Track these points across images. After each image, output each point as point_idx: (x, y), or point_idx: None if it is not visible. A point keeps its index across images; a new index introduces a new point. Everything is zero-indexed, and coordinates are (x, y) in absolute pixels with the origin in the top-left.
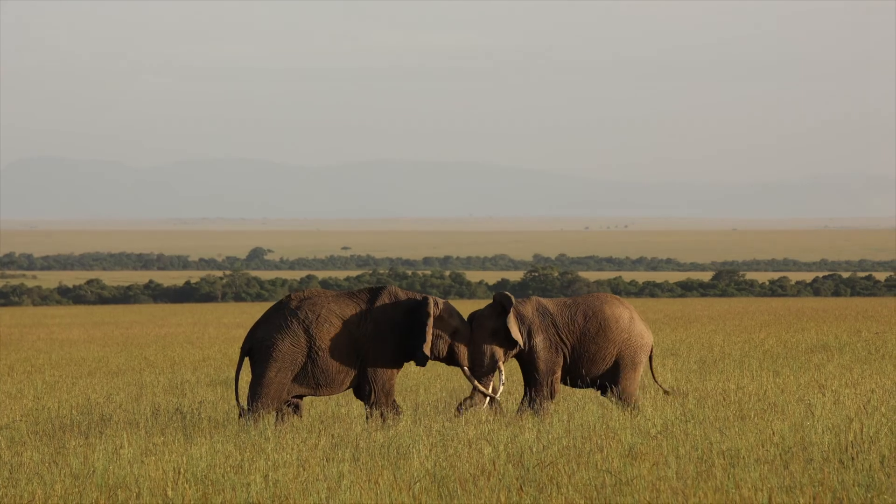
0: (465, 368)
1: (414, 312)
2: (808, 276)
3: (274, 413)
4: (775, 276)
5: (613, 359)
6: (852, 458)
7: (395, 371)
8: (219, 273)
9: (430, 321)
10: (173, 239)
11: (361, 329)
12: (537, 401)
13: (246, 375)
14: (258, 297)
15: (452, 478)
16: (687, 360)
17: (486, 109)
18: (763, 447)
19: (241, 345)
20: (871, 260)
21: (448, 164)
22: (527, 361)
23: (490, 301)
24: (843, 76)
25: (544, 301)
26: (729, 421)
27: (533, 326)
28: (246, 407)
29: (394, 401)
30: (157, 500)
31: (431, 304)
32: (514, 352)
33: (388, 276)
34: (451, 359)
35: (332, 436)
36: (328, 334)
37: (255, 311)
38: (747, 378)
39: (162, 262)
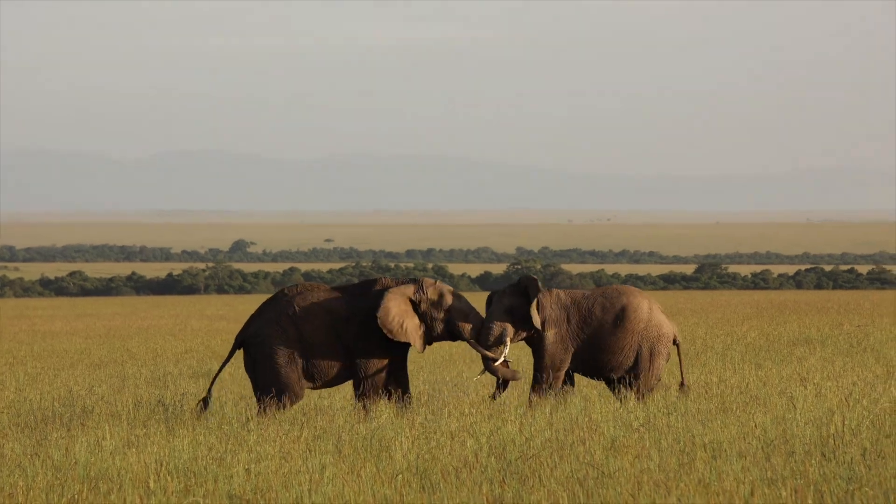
0: (471, 341)
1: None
2: (790, 269)
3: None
4: (758, 268)
5: (634, 350)
6: (834, 451)
7: (385, 363)
8: (201, 265)
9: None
10: (156, 231)
11: (351, 323)
12: (535, 392)
13: (235, 370)
14: (241, 290)
15: (435, 470)
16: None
17: (469, 103)
18: (745, 440)
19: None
20: (854, 253)
21: (431, 158)
22: (536, 352)
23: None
24: (827, 68)
25: (563, 294)
26: (711, 414)
27: (549, 319)
28: (263, 405)
29: (402, 388)
30: (139, 492)
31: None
32: (525, 335)
33: (371, 269)
34: (452, 336)
35: (315, 428)
36: (318, 329)
37: (237, 304)
38: (729, 371)
39: (144, 255)
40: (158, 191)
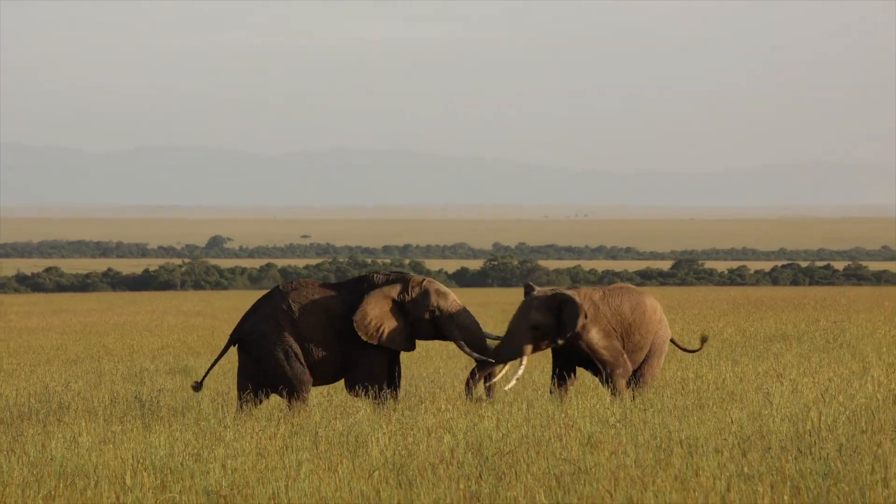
0: (459, 342)
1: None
2: (766, 266)
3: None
4: (734, 265)
5: (649, 348)
6: (810, 447)
7: (381, 358)
8: (178, 261)
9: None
10: (132, 227)
11: (346, 319)
12: (618, 386)
13: (228, 365)
14: (217, 286)
15: (411, 466)
16: None
17: (445, 98)
18: (721, 436)
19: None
20: (830, 249)
21: (407, 153)
22: (587, 357)
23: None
24: (827, 68)
25: (591, 292)
26: (688, 410)
27: (589, 318)
28: (288, 404)
29: (391, 385)
30: (116, 489)
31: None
32: (547, 346)
33: (347, 265)
34: (441, 336)
35: (292, 424)
36: (314, 325)
37: (214, 300)
38: (706, 367)
39: (121, 250)
40: (135, 186)
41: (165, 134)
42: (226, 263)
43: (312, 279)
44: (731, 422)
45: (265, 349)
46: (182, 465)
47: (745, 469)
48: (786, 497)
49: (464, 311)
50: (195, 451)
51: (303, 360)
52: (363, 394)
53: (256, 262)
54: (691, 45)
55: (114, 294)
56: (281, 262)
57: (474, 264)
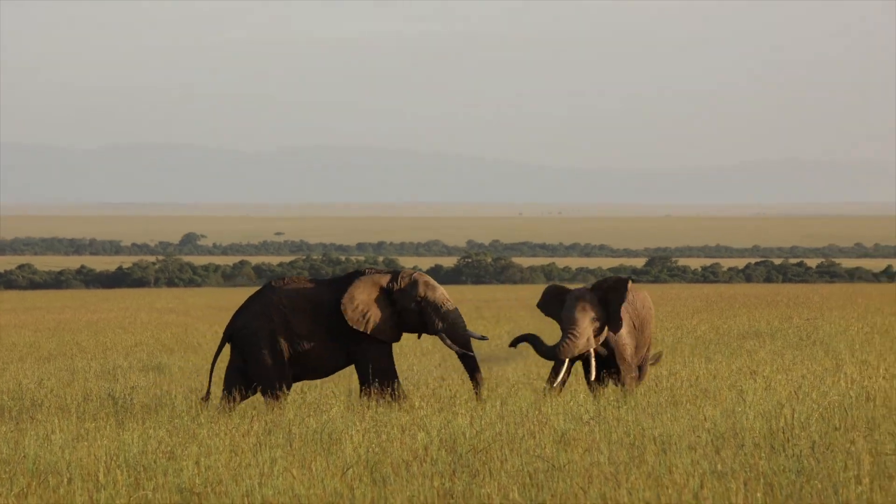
0: (442, 335)
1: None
2: (740, 263)
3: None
4: (708, 262)
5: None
6: (783, 444)
7: (377, 352)
8: (151, 258)
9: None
10: (105, 224)
11: (339, 315)
12: (629, 385)
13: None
14: (191, 283)
15: (385, 463)
16: None
17: (420, 95)
18: (695, 433)
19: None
20: (803, 246)
21: (382, 150)
22: (612, 348)
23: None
24: (827, 68)
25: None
26: (661, 407)
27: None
28: (262, 397)
29: (392, 381)
30: (89, 486)
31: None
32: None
33: (321, 263)
34: (425, 328)
35: (266, 421)
36: (305, 321)
37: (187, 297)
38: (679, 364)
39: (94, 247)
40: (109, 183)
41: (140, 131)
42: (199, 261)
43: (304, 276)
44: (705, 419)
45: (253, 345)
46: (155, 462)
47: (719, 466)
48: (759, 494)
49: (451, 306)
50: (169, 448)
51: (289, 358)
52: (378, 391)
53: (230, 260)
54: (691, 45)
55: (87, 291)
56: (254, 260)
57: (448, 261)
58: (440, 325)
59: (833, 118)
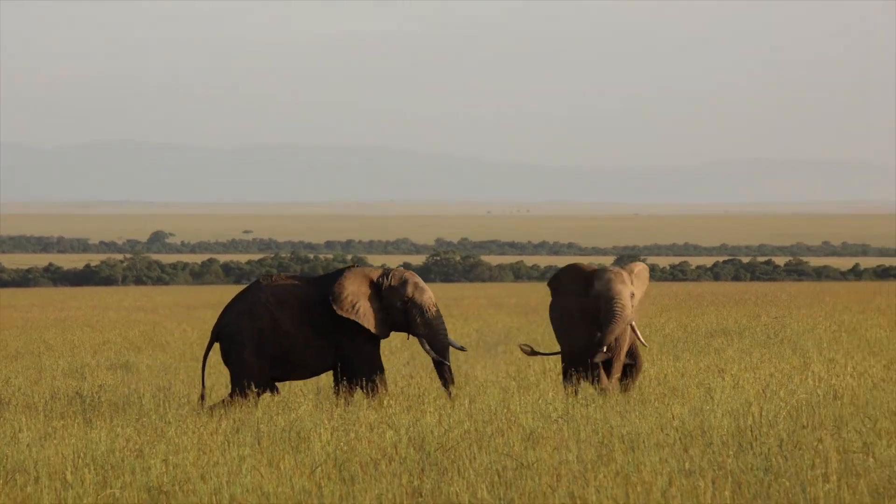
0: (422, 339)
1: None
2: (708, 261)
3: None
4: (676, 260)
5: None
6: (751, 442)
7: (365, 349)
8: (119, 256)
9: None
10: (73, 222)
11: (326, 312)
12: (636, 381)
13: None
14: (159, 281)
15: (354, 462)
16: None
17: (386, 92)
18: (663, 431)
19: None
20: (771, 245)
21: (350, 148)
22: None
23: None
24: (827, 68)
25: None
26: (629, 405)
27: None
28: (229, 392)
29: (382, 378)
30: (56, 485)
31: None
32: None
33: (289, 261)
34: (408, 327)
35: (234, 420)
36: (292, 318)
37: (155, 295)
38: (647, 362)
39: (62, 246)
40: (77, 181)
41: (109, 128)
42: (167, 259)
43: (288, 273)
44: (673, 417)
45: (236, 343)
46: (123, 460)
47: (687, 464)
48: (727, 492)
49: (436, 312)
50: (137, 446)
51: (276, 356)
52: (366, 387)
53: (198, 258)
54: (691, 45)
55: (55, 289)
56: (223, 258)
57: (417, 259)
58: (422, 328)
59: (833, 118)
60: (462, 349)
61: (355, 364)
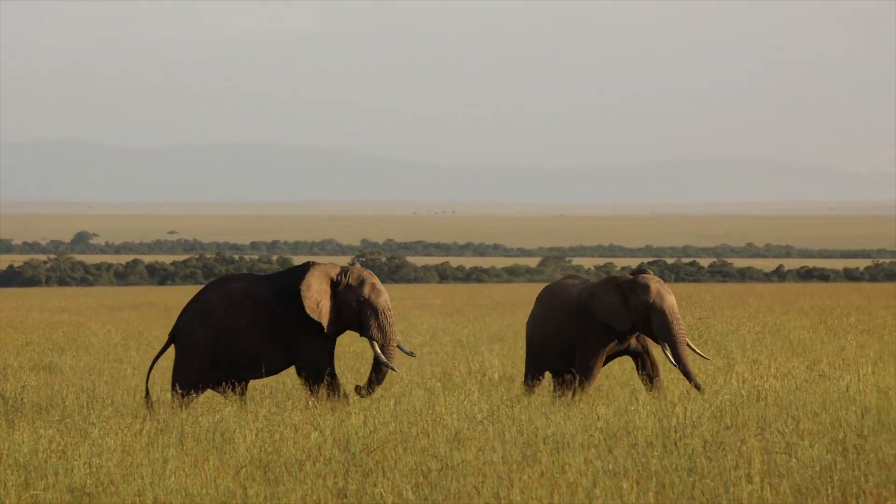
0: (373, 341)
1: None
2: (633, 262)
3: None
4: (601, 261)
5: None
6: (675, 443)
7: (321, 348)
8: (43, 257)
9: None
10: None
11: (280, 310)
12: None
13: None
14: (83, 282)
15: (278, 463)
16: (514, 346)
17: (313, 92)
18: (588, 432)
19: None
20: (695, 246)
21: (275, 147)
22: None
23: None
24: (827, 68)
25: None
26: (554, 406)
27: None
28: (171, 391)
29: (333, 380)
30: None
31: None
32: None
33: (215, 261)
34: (360, 327)
35: (158, 421)
36: (243, 318)
37: (79, 296)
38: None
39: None
40: (16, 181)
41: (31, 127)
42: (91, 259)
43: (242, 272)
44: (598, 418)
45: (185, 344)
46: (46, 462)
47: (611, 465)
48: (651, 493)
49: (390, 316)
50: (60, 448)
51: (225, 357)
52: (312, 385)
53: (122, 259)
54: (691, 45)
55: None
56: (147, 258)
57: (342, 260)
58: (374, 330)
59: (832, 118)
60: (411, 354)
61: (304, 361)
